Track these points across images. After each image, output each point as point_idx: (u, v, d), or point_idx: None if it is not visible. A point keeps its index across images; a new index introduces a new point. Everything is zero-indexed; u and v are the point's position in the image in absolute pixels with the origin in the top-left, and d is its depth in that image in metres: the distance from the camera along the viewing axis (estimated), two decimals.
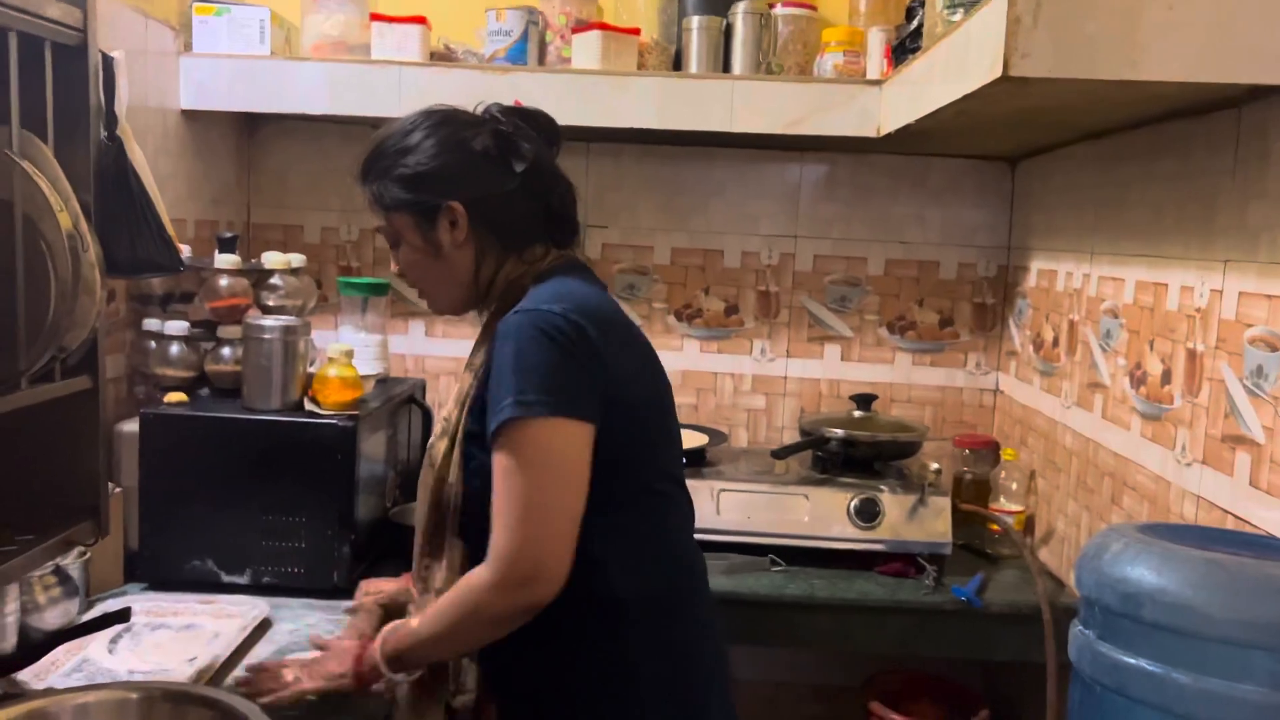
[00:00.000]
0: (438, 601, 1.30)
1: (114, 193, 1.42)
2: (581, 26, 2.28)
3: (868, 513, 2.10)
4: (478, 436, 1.30)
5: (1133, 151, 1.86)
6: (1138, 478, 1.77)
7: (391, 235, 1.40)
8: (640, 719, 1.31)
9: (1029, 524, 2.28)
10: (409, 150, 1.36)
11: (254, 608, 1.71)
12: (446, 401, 1.40)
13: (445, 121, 1.38)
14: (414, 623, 1.31)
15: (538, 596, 1.22)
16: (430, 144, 1.36)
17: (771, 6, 2.34)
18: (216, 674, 1.50)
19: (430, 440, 1.39)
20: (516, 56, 2.28)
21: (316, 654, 1.46)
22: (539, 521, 1.21)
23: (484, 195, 1.35)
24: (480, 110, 1.41)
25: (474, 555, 1.29)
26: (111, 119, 1.42)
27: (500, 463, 1.22)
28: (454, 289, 1.40)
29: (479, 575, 1.24)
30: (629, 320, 1.39)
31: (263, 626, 1.68)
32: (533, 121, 1.41)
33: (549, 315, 1.24)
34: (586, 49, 2.25)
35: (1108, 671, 1.16)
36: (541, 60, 2.33)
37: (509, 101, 1.44)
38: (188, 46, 2.23)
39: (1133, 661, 1.13)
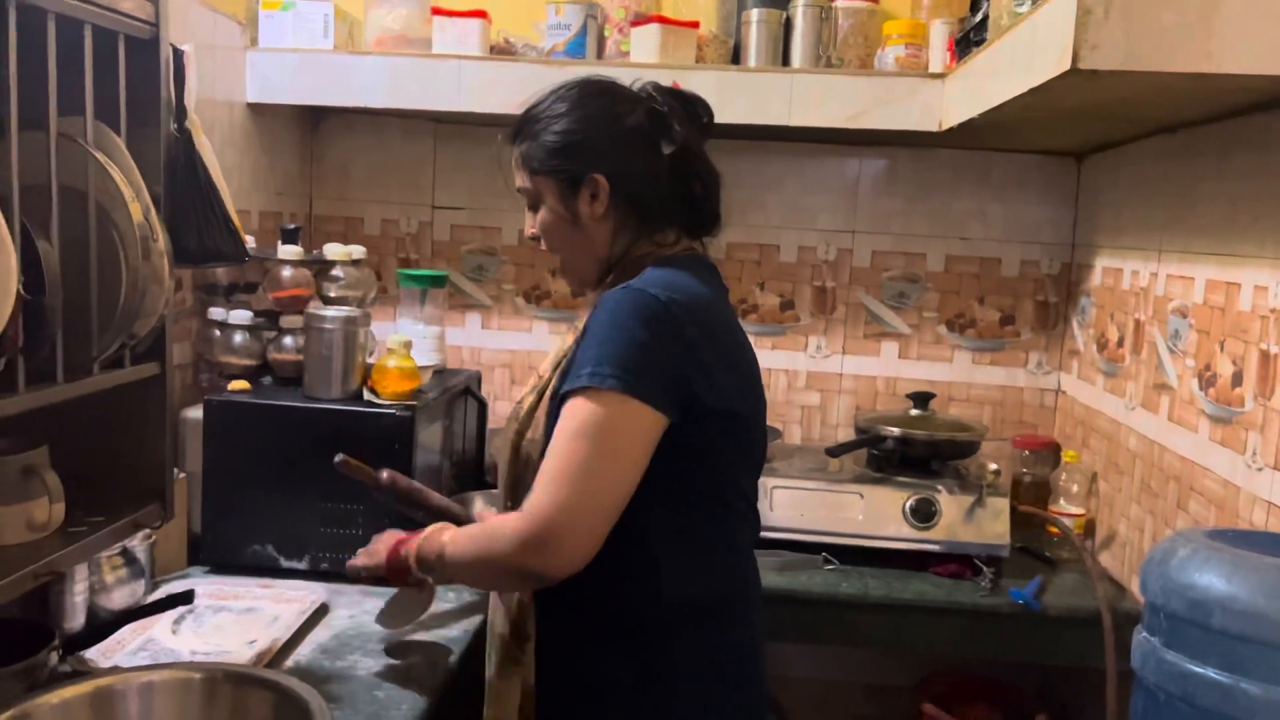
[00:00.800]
0: (469, 528, 1.34)
1: (183, 184, 1.45)
2: (640, 20, 2.27)
3: (924, 513, 2.07)
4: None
5: (1206, 146, 1.81)
6: (1205, 482, 1.73)
7: (533, 197, 1.39)
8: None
9: (1089, 527, 2.23)
10: (562, 116, 1.35)
11: (312, 593, 1.74)
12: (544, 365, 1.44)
13: (602, 93, 1.38)
14: (445, 537, 1.35)
15: (555, 565, 1.19)
16: (583, 114, 1.35)
17: (832, 0, 2.32)
18: (275, 657, 1.53)
19: (521, 396, 1.42)
20: (575, 50, 2.28)
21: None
22: (582, 492, 1.18)
23: (629, 171, 1.34)
24: (637, 87, 1.40)
25: None
26: (181, 111, 1.45)
27: (562, 426, 1.21)
28: (588, 260, 1.39)
29: (510, 523, 1.22)
30: (740, 336, 1.37)
31: (320, 612, 1.71)
32: (688, 105, 1.40)
33: (649, 298, 1.23)
34: (645, 42, 2.24)
35: (1174, 680, 1.13)
36: (600, 54, 2.33)
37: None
38: (254, 41, 2.27)
39: (1200, 670, 1.10)
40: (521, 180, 1.40)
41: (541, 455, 1.28)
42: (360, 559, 1.48)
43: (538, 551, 1.18)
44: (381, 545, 1.46)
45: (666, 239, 1.39)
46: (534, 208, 1.40)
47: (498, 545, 1.22)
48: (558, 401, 1.24)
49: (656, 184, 1.36)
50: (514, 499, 1.38)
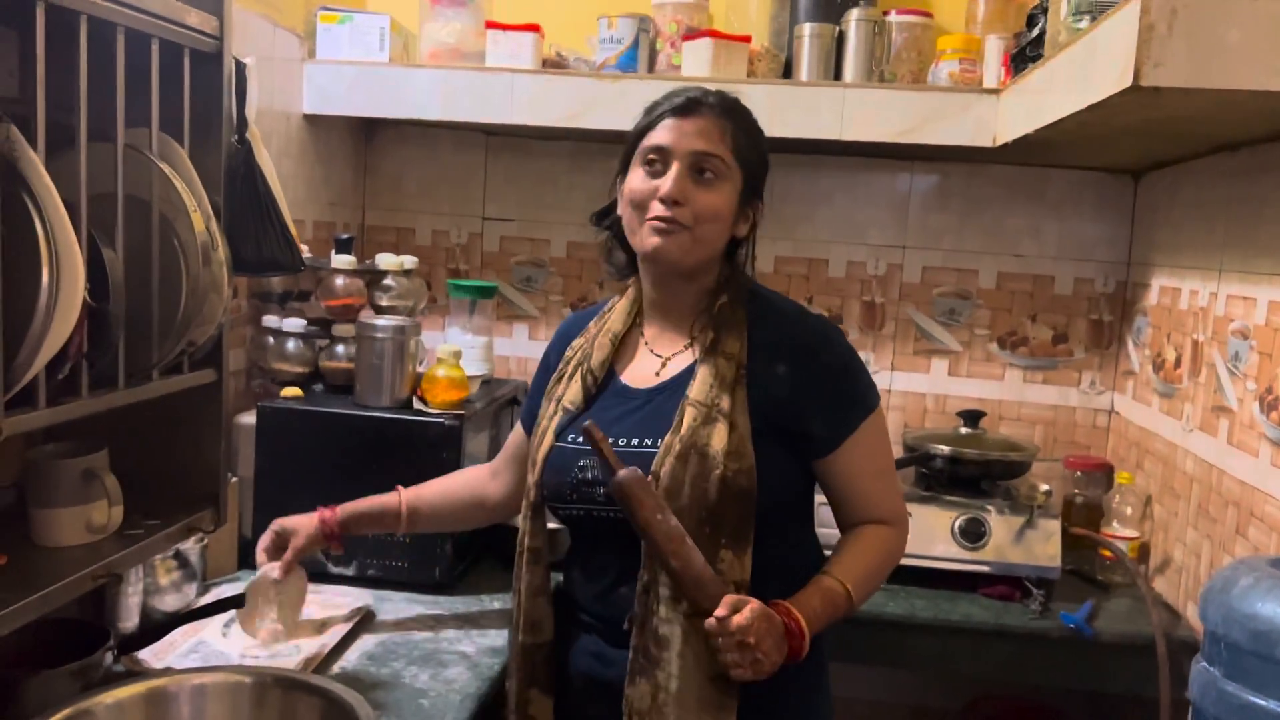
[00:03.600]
0: (852, 560, 1.38)
1: (242, 194, 1.47)
2: (692, 34, 2.28)
3: (973, 533, 2.04)
4: (765, 431, 1.32)
5: (1271, 164, 1.77)
6: (1266, 508, 1.68)
7: (718, 171, 1.35)
8: (829, 713, 1.45)
9: (1144, 551, 2.18)
10: (763, 138, 1.44)
11: (359, 599, 1.76)
12: (693, 383, 1.34)
13: None
14: (843, 583, 1.34)
15: None
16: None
17: (886, 14, 2.31)
18: (323, 663, 1.54)
19: (684, 426, 1.31)
20: (627, 64, 2.29)
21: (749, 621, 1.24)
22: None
23: (762, 217, 1.45)
24: None
25: (759, 542, 1.31)
26: (242, 123, 1.48)
27: (872, 443, 1.40)
28: (708, 251, 1.38)
29: (889, 534, 1.42)
30: None
31: (367, 618, 1.73)
32: None
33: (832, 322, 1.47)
34: (697, 56, 2.24)
35: (1234, 712, 1.10)
36: (651, 68, 2.34)
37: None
38: (312, 53, 2.30)
39: (1262, 703, 1.07)
40: (717, 148, 1.35)
41: (757, 482, 1.30)
42: (746, 670, 1.23)
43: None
44: (768, 643, 1.23)
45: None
46: (706, 178, 1.35)
47: (897, 553, 1.44)
48: (838, 434, 1.37)
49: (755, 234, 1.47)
50: (737, 538, 1.29)
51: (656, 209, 1.33)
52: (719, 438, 1.29)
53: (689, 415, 1.31)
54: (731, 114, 1.38)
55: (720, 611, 1.22)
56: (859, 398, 1.39)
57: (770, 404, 1.33)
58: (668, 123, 1.35)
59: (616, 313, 1.49)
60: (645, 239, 1.36)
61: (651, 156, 1.35)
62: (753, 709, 1.30)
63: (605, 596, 1.38)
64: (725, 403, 1.31)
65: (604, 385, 1.44)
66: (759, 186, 1.42)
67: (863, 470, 1.40)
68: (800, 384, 1.35)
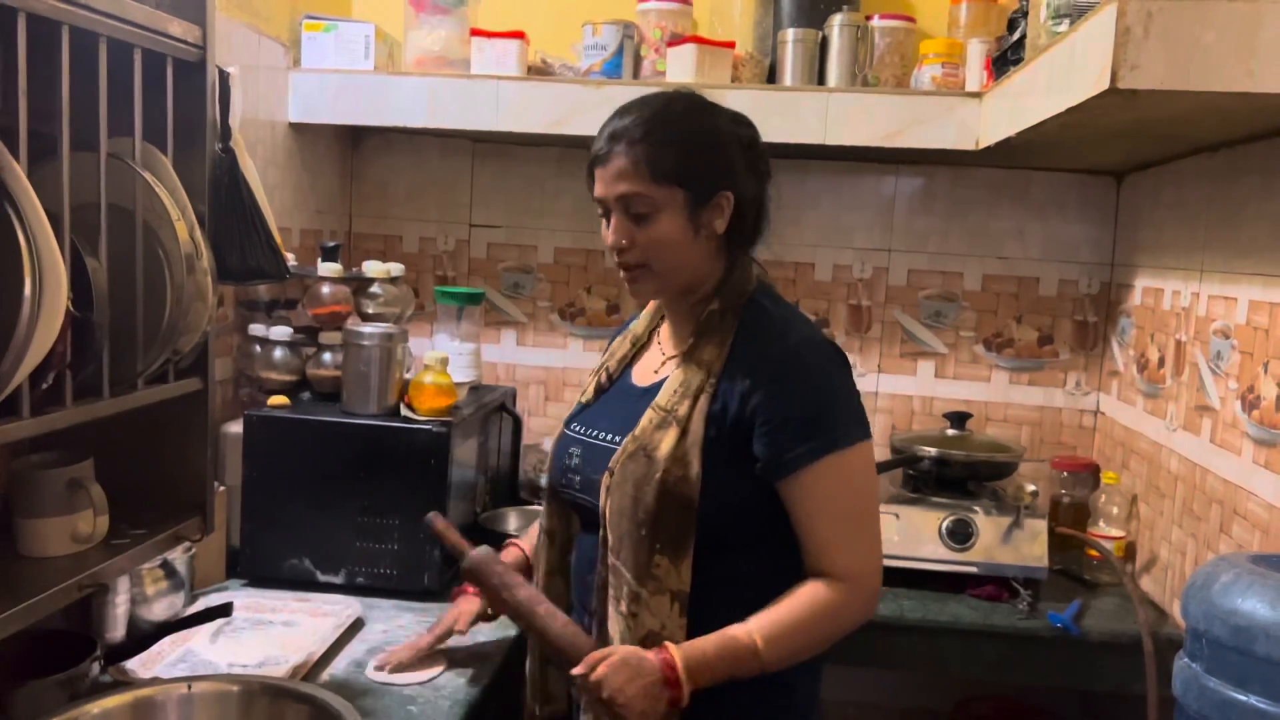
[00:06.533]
0: (778, 618, 1.28)
1: (227, 203, 1.47)
2: (676, 40, 2.29)
3: (961, 534, 2.05)
4: (718, 443, 1.30)
5: (1250, 165, 1.78)
6: (1249, 506, 1.70)
7: (647, 206, 1.31)
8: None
9: (1130, 550, 2.20)
10: (699, 129, 1.33)
11: (347, 607, 1.76)
12: (664, 386, 1.35)
13: (723, 113, 1.38)
14: (754, 642, 1.26)
15: (876, 605, 1.33)
16: (716, 127, 1.34)
17: (868, 19, 2.32)
18: (311, 670, 1.54)
19: (640, 427, 1.33)
20: (612, 70, 2.30)
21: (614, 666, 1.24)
22: (876, 538, 1.33)
23: (747, 194, 1.36)
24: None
25: (710, 556, 1.30)
26: (226, 131, 1.48)
27: (830, 487, 1.29)
28: (683, 273, 1.35)
29: (833, 592, 1.28)
30: None
31: (355, 626, 1.73)
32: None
33: (830, 344, 1.35)
34: (681, 62, 2.25)
35: (1216, 708, 1.11)
36: (636, 74, 2.35)
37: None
38: (297, 62, 2.30)
39: (1243, 698, 1.08)
40: (634, 185, 1.30)
41: (699, 493, 1.28)
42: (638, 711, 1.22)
43: (874, 600, 1.32)
44: (629, 693, 1.22)
45: (748, 261, 1.43)
46: (639, 217, 1.32)
47: (837, 615, 1.30)
48: (785, 464, 1.28)
49: (760, 207, 1.40)
50: (674, 545, 1.29)
51: (613, 257, 1.37)
52: (667, 442, 1.30)
53: (646, 417, 1.34)
54: (645, 138, 1.30)
55: (578, 670, 1.23)
56: (823, 431, 1.28)
57: (727, 418, 1.30)
58: (596, 173, 1.35)
59: (643, 314, 1.54)
60: (625, 282, 1.39)
61: (599, 209, 1.37)
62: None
63: (578, 581, 1.43)
64: (683, 409, 1.31)
65: (617, 381, 1.49)
66: (714, 181, 1.32)
67: (818, 512, 1.29)
68: (757, 403, 1.29)
